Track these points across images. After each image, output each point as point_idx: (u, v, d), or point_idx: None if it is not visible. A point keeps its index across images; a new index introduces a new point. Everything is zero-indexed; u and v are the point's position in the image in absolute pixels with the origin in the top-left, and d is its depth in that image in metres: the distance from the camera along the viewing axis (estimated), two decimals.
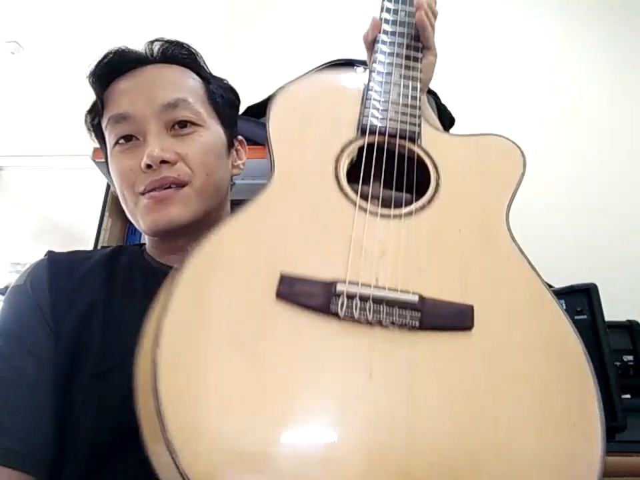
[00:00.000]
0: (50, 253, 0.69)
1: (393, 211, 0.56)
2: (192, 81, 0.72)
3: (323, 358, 0.45)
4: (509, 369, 0.47)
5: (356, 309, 0.46)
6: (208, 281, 0.49)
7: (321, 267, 0.49)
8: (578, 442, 0.45)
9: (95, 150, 1.32)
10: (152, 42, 0.72)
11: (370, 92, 0.65)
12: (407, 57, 0.69)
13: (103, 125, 0.70)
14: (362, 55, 0.76)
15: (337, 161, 0.59)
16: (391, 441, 0.42)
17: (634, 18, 1.93)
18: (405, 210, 0.56)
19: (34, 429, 0.55)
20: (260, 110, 1.27)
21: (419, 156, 0.62)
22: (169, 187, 0.65)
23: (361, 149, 0.61)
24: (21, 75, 3.09)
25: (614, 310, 1.07)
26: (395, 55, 0.69)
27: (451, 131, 1.28)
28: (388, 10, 0.73)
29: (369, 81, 0.66)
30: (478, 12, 1.96)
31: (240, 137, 0.80)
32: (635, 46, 1.89)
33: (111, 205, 1.45)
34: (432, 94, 1.22)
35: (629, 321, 1.12)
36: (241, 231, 0.52)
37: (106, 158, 0.73)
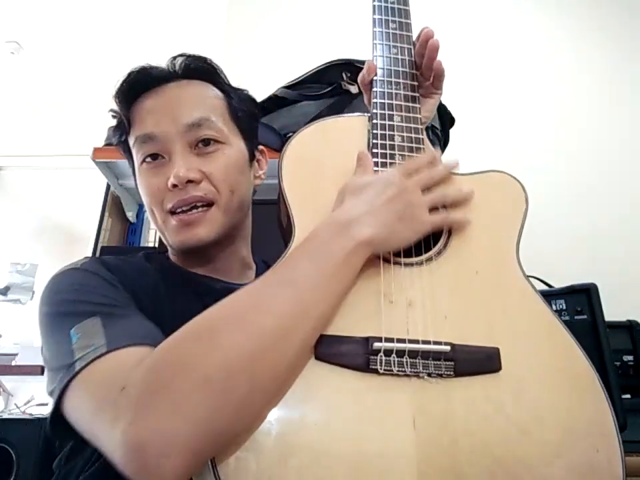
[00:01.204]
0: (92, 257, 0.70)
1: (414, 259, 0.58)
2: (214, 97, 0.74)
3: (367, 414, 0.48)
4: (537, 406, 0.51)
5: (394, 364, 0.49)
6: None
7: (355, 324, 0.52)
8: (602, 467, 0.49)
9: (95, 150, 1.32)
10: (174, 58, 0.74)
11: (376, 139, 0.65)
12: (406, 98, 0.69)
13: (130, 143, 0.73)
14: (359, 55, 0.76)
15: None
16: None
17: (633, 17, 1.93)
18: (424, 256, 0.59)
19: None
20: (260, 110, 1.27)
21: None
22: (195, 206, 0.68)
23: None
24: (21, 75, 3.09)
25: (614, 310, 1.07)
26: (394, 96, 0.69)
27: (452, 131, 1.28)
28: (380, 48, 0.72)
29: (373, 127, 0.66)
30: (478, 11, 1.96)
31: (261, 147, 0.82)
32: (634, 43, 1.89)
33: (111, 205, 1.45)
34: None
35: (629, 321, 1.12)
36: None
37: (134, 172, 0.76)
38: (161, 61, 0.75)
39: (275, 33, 2.00)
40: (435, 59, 0.69)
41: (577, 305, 1.04)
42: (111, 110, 0.75)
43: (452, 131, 1.29)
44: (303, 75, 1.28)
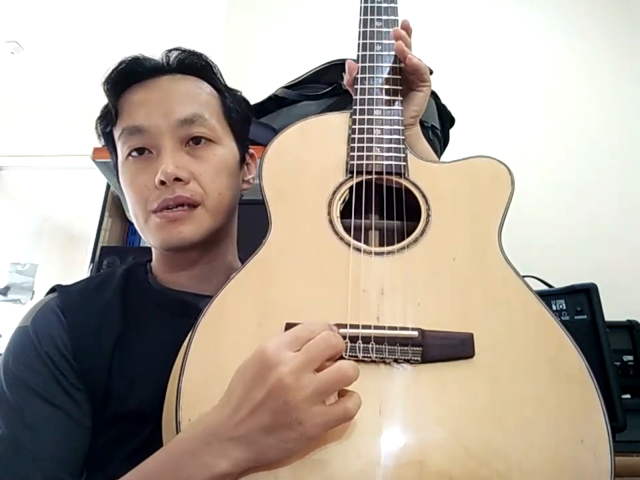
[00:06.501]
0: (60, 291, 0.66)
1: (386, 248, 0.58)
2: (208, 94, 0.71)
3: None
4: (514, 393, 0.49)
5: (359, 350, 0.49)
6: (217, 338, 0.52)
7: (323, 313, 0.52)
8: (587, 458, 0.46)
9: (95, 150, 1.32)
10: (169, 51, 0.71)
11: (354, 134, 0.67)
12: (387, 92, 0.70)
13: (116, 135, 0.69)
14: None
15: (330, 205, 0.62)
16: (403, 475, 0.44)
17: (632, 15, 1.92)
18: (398, 245, 0.58)
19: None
20: (260, 110, 1.27)
21: (407, 189, 0.64)
22: (181, 205, 0.65)
23: (351, 189, 0.63)
24: (21, 75, 3.09)
25: (614, 310, 1.07)
26: (374, 91, 0.70)
27: (452, 130, 1.28)
28: (364, 46, 0.74)
29: (353, 122, 0.68)
30: (479, 11, 1.96)
31: (251, 151, 0.79)
32: (635, 44, 1.89)
33: (111, 205, 1.45)
34: (432, 94, 1.22)
35: (629, 321, 1.12)
36: (244, 287, 0.56)
37: (115, 166, 0.72)
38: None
39: (274, 32, 2.00)
40: (407, 58, 0.70)
41: (577, 305, 1.04)
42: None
43: (452, 131, 1.29)
44: (303, 75, 1.28)
